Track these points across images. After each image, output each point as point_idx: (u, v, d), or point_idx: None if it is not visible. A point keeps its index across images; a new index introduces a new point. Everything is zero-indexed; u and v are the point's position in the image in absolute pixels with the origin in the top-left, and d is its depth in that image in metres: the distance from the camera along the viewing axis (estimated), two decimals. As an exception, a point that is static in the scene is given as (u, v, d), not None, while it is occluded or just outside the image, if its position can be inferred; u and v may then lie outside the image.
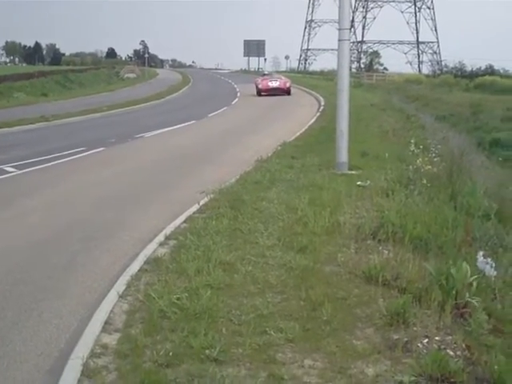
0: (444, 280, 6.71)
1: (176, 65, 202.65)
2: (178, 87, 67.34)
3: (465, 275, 6.70)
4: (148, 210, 12.12)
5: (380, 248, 8.75)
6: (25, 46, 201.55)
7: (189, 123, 30.15)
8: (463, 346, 5.84)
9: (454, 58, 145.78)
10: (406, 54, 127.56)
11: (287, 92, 50.70)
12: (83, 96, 54.39)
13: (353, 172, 14.70)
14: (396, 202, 10.74)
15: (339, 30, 15.30)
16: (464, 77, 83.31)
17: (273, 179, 13.60)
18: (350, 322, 6.33)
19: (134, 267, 8.18)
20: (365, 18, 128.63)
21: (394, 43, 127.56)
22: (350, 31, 16.48)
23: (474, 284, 6.71)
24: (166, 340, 5.93)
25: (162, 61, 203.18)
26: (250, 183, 13.23)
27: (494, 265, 8.56)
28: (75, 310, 7.12)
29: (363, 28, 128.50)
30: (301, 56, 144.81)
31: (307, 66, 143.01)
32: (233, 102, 45.62)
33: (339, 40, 15.22)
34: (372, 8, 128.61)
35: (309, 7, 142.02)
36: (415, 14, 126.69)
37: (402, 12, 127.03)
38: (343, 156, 15.05)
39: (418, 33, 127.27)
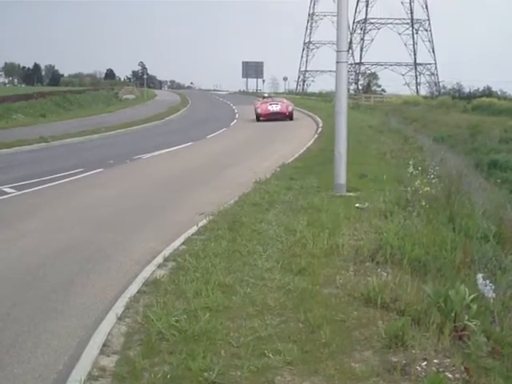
0: (442, 302, 6.70)
1: (175, 86, 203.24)
2: (177, 108, 67.50)
3: (463, 297, 6.69)
4: (146, 231, 12.11)
5: (378, 270, 8.74)
6: (24, 67, 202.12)
7: (187, 145, 30.21)
8: (462, 368, 5.82)
9: (451, 80, 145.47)
10: (403, 75, 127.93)
11: (289, 117, 46.25)
12: (82, 117, 54.48)
13: (351, 194, 14.70)
14: (394, 223, 10.74)
15: (337, 51, 15.36)
16: (462, 98, 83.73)
17: (271, 201, 13.60)
18: (349, 344, 6.30)
19: (133, 289, 8.16)
20: (362, 39, 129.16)
21: (391, 65, 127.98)
22: (348, 53, 16.57)
23: (473, 306, 6.70)
24: (165, 362, 5.91)
25: (160, 82, 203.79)
26: (249, 205, 13.24)
27: (492, 287, 8.54)
28: (73, 332, 7.10)
29: (361, 50, 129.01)
30: (299, 77, 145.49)
31: (305, 87, 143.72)
32: (231, 124, 45.74)
33: (337, 62, 15.27)
34: (370, 30, 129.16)
35: (307, 29, 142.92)
36: (413, 35, 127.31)
37: (400, 34, 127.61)
38: (341, 178, 15.06)
39: (415, 54, 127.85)
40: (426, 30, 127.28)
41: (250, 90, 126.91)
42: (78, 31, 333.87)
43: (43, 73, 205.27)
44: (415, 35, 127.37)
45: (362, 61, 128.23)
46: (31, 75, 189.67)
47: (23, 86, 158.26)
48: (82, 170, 20.88)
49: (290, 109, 46.99)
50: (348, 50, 16.40)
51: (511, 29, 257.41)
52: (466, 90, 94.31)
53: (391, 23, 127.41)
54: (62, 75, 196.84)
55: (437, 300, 6.79)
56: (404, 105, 74.10)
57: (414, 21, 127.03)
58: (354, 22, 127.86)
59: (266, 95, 57.03)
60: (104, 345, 6.43)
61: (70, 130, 37.42)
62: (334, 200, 13.72)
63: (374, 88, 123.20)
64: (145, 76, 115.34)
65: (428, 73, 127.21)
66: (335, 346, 6.19)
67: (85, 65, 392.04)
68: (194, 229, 11.40)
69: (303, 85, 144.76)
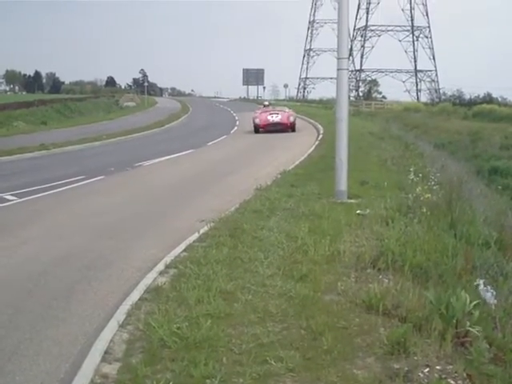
0: (444, 309, 6.69)
1: (175, 93, 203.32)
2: (178, 116, 67.55)
3: (464, 304, 6.69)
4: (147, 238, 12.11)
5: (380, 277, 8.73)
6: (25, 75, 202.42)
7: (188, 152, 30.23)
8: (464, 375, 5.82)
9: (452, 86, 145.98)
10: (404, 82, 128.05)
11: (291, 128, 42.27)
12: (83, 124, 54.49)
13: (352, 200, 14.70)
14: (396, 230, 10.74)
15: (338, 59, 15.38)
16: (462, 105, 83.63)
17: (272, 208, 13.61)
18: (351, 351, 6.30)
19: (134, 296, 8.16)
20: (363, 46, 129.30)
21: (392, 72, 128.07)
22: (349, 60, 16.58)
23: (475, 313, 6.69)
24: (167, 369, 5.90)
25: (161, 89, 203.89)
26: (250, 212, 13.24)
27: (494, 293, 8.54)
28: (75, 339, 7.09)
29: (361, 57, 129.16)
30: (299, 84, 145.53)
31: (306, 94, 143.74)
32: (232, 131, 45.71)
33: (338, 69, 15.29)
34: (370, 37, 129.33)
35: (307, 36, 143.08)
36: (413, 42, 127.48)
37: (400, 41, 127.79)
38: (343, 185, 15.06)
39: (416, 61, 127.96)
40: (427, 37, 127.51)
41: (251, 97, 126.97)
42: (79, 39, 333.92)
43: (44, 80, 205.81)
44: (416, 42, 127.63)
45: (363, 68, 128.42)
46: (32, 83, 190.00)
47: (24, 93, 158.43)
48: (83, 177, 20.91)
49: (291, 119, 42.84)
50: (348, 57, 16.41)
51: None
52: (467, 97, 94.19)
53: (392, 30, 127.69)
54: (63, 83, 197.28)
55: (438, 306, 6.78)
56: (405, 111, 74.07)
57: (415, 28, 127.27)
58: (354, 29, 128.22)
59: (267, 103, 51.29)
60: (106, 352, 6.42)
61: (71, 137, 37.48)
62: (335, 207, 13.71)
63: (374, 95, 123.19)
64: (145, 83, 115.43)
65: (428, 79, 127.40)
66: (337, 353, 6.18)
67: (86, 72, 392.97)
68: (196, 236, 11.39)
69: (304, 92, 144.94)
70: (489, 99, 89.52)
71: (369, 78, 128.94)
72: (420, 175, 14.84)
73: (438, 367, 5.99)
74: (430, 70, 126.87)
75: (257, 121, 42.95)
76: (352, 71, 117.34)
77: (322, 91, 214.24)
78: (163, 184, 20.01)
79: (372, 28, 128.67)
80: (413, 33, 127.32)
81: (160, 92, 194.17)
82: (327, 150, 25.23)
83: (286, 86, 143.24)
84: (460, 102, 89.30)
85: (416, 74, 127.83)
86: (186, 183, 19.97)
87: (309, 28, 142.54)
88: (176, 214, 14.66)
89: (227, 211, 13.40)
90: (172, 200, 16.67)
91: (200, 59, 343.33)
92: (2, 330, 7.42)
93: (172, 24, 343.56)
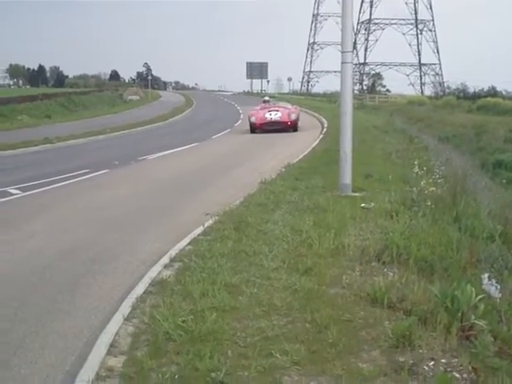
0: (449, 302, 6.68)
1: (179, 87, 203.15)
2: (181, 109, 67.61)
3: (469, 297, 6.69)
4: (152, 232, 12.12)
5: (385, 270, 8.73)
6: (28, 69, 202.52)
7: (192, 145, 30.28)
8: (469, 368, 5.81)
9: (456, 80, 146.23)
10: (408, 75, 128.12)
11: (292, 127, 37.12)
12: (87, 118, 54.60)
13: (356, 194, 14.69)
14: (400, 223, 10.73)
15: (342, 52, 15.36)
16: (466, 98, 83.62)
17: (277, 201, 13.60)
18: (356, 344, 6.29)
19: (139, 289, 8.16)
20: (367, 40, 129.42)
21: (396, 65, 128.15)
22: (353, 53, 16.55)
23: (480, 306, 6.69)
24: (172, 363, 5.90)
25: (165, 83, 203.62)
26: (255, 205, 13.24)
27: (499, 287, 8.54)
28: (80, 332, 7.10)
29: (365, 50, 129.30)
30: (303, 78, 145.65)
31: (310, 87, 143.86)
32: (236, 124, 45.72)
33: (342, 62, 15.27)
34: (374, 30, 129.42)
35: (311, 29, 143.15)
36: (417, 36, 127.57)
37: (404, 34, 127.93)
38: (347, 178, 15.05)
39: (420, 55, 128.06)
40: (431, 31, 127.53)
41: (255, 91, 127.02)
42: (83, 32, 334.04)
43: (48, 74, 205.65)
44: (419, 35, 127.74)
45: (367, 61, 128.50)
46: (36, 76, 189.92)
47: (28, 87, 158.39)
48: (87, 170, 20.96)
49: (292, 117, 37.51)
50: (352, 51, 16.38)
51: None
52: (471, 90, 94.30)
53: (395, 23, 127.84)
54: (67, 76, 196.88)
55: (443, 300, 6.78)
56: (409, 105, 73.97)
57: (419, 21, 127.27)
58: (358, 23, 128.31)
59: (267, 99, 45.47)
60: (111, 345, 6.42)
61: (75, 131, 37.50)
62: (339, 200, 13.70)
63: (378, 88, 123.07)
64: (149, 77, 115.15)
65: (433, 73, 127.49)
66: (342, 346, 6.18)
67: (89, 66, 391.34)
68: (200, 229, 11.39)
69: (308, 85, 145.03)
70: (493, 92, 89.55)
71: (373, 72, 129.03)
72: (424, 168, 14.81)
73: (443, 360, 5.98)
74: (434, 64, 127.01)
75: (252, 119, 37.65)
76: (356, 65, 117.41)
77: (325, 85, 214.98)
78: (167, 177, 20.03)
79: (376, 21, 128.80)
80: (416, 26, 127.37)
81: (164, 86, 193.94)
82: (331, 144, 25.21)
83: (289, 79, 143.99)
84: (464, 96, 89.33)
85: (420, 68, 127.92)
86: (191, 177, 19.98)
87: (312, 21, 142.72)
88: (180, 207, 14.67)
89: (232, 204, 13.39)
90: (176, 193, 16.67)
91: (204, 53, 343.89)
92: (8, 323, 7.44)
93: (176, 18, 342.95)
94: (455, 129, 45.46)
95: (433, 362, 5.92)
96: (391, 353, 6.09)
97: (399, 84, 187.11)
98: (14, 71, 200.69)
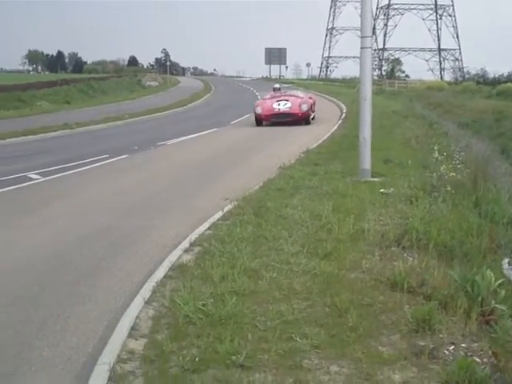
0: (469, 287, 6.69)
1: (197, 73, 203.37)
2: (200, 95, 67.52)
3: (489, 282, 6.68)
4: (172, 216, 12.15)
5: (405, 255, 8.73)
6: (47, 55, 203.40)
7: (211, 130, 30.27)
8: (490, 352, 5.81)
9: (475, 65, 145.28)
10: (427, 61, 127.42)
11: (303, 119, 31.63)
12: (105, 104, 54.68)
13: (376, 179, 14.65)
14: (420, 209, 10.71)
15: (361, 37, 15.29)
16: (486, 84, 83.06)
17: (296, 186, 13.61)
18: (376, 328, 6.31)
19: (159, 273, 8.21)
20: (386, 25, 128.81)
21: (415, 50, 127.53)
22: (372, 38, 16.47)
23: (500, 291, 6.67)
24: (192, 345, 5.94)
25: (183, 69, 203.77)
26: (274, 190, 13.25)
27: (519, 272, 8.52)
28: (101, 315, 7.15)
29: (384, 35, 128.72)
30: (322, 63, 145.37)
31: (328, 73, 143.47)
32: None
33: (361, 48, 15.21)
34: (393, 15, 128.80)
35: (330, 15, 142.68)
36: (436, 21, 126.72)
37: (424, 19, 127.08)
38: (366, 163, 15.02)
39: (439, 40, 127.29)
40: (450, 16, 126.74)
41: (273, 77, 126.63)
42: (101, 18, 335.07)
43: (66, 60, 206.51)
44: (439, 21, 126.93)
45: (386, 47, 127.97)
46: (55, 62, 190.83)
47: (47, 73, 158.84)
48: (106, 156, 21.00)
49: (304, 108, 31.61)
50: (372, 36, 16.31)
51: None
52: (491, 76, 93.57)
53: (415, 9, 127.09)
54: (86, 62, 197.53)
55: (464, 285, 6.78)
56: (428, 90, 73.60)
57: (438, 6, 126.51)
58: (377, 8, 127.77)
59: (277, 86, 39.53)
60: (132, 328, 6.47)
61: (94, 116, 37.56)
62: (358, 185, 13.69)
63: (397, 74, 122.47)
64: (168, 63, 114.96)
65: (452, 58, 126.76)
66: (362, 330, 6.19)
67: (108, 52, 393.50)
68: (220, 214, 11.42)
69: (326, 71, 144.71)
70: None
71: (392, 57, 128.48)
72: (444, 154, 14.77)
73: (463, 345, 5.99)
74: (454, 49, 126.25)
75: (258, 110, 32.27)
76: (375, 50, 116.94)
77: (344, 70, 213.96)
78: (186, 163, 20.07)
79: (395, 6, 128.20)
80: (436, 11, 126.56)
81: (182, 71, 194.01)
82: (350, 129, 25.17)
83: (308, 64, 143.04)
84: (484, 81, 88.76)
85: (439, 53, 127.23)
86: (209, 162, 20.00)
87: (331, 7, 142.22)
88: (199, 192, 14.69)
89: (251, 189, 13.41)
90: (195, 178, 16.70)
91: (222, 39, 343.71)
92: (30, 307, 7.50)
93: (194, 4, 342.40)
94: (475, 114, 45.12)
95: (453, 347, 5.92)
96: (411, 337, 6.10)
97: (418, 69, 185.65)
98: (33, 57, 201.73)
